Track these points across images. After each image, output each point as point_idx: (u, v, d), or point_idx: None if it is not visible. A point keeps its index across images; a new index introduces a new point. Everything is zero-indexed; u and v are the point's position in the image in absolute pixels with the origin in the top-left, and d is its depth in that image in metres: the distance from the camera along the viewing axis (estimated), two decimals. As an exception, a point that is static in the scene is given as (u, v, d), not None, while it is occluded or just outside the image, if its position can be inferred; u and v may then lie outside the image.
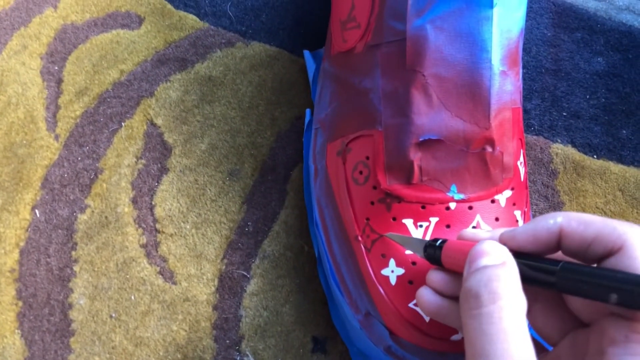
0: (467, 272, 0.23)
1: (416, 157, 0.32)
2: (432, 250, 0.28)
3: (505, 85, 0.32)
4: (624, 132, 0.42)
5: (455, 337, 0.30)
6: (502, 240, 0.25)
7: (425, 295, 0.27)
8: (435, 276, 0.27)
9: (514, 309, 0.21)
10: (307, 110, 0.41)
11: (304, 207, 0.40)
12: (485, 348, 0.20)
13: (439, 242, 0.28)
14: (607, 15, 0.46)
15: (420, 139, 0.31)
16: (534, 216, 0.39)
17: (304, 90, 0.43)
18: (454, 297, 0.27)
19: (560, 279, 0.22)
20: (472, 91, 0.31)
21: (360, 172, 0.34)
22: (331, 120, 0.36)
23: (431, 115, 0.31)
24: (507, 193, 0.33)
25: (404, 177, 0.32)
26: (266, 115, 0.43)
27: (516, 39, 0.32)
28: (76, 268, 0.39)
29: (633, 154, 0.41)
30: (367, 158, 0.33)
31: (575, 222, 0.23)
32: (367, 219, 0.33)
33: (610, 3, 0.46)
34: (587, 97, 0.43)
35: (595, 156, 0.41)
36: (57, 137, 0.42)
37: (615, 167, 0.41)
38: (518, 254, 0.24)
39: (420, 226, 0.32)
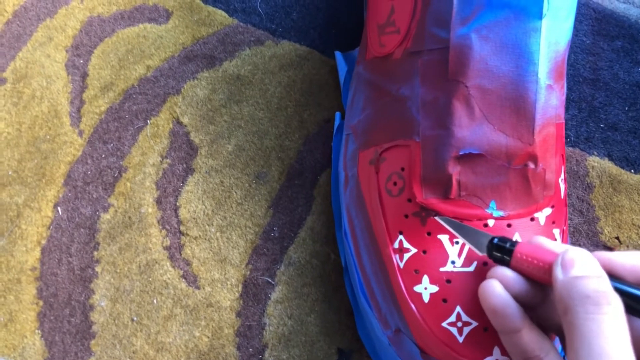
0: (566, 277, 0.25)
1: (455, 171, 0.30)
2: (500, 251, 0.28)
3: (550, 99, 0.30)
4: (664, 146, 0.40)
5: None
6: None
7: (496, 288, 0.27)
8: (508, 274, 0.27)
9: (622, 313, 0.23)
10: (337, 114, 0.40)
11: (331, 213, 0.39)
12: (605, 348, 0.22)
13: (508, 243, 0.28)
14: (650, 24, 0.44)
15: (461, 153, 0.30)
16: (571, 233, 0.38)
17: (334, 93, 0.42)
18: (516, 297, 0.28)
19: None
20: (517, 105, 0.30)
21: (395, 184, 0.33)
22: (364, 127, 0.35)
23: (473, 128, 0.30)
24: (547, 211, 0.32)
25: (441, 191, 0.31)
26: (295, 117, 0.41)
27: (563, 52, 0.31)
28: (98, 269, 0.38)
29: (674, 170, 0.40)
30: (402, 169, 0.32)
31: None
32: (400, 232, 0.32)
33: (653, 11, 0.45)
34: (626, 108, 0.42)
35: (632, 170, 0.40)
36: (81, 133, 0.42)
37: (653, 183, 0.39)
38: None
39: (456, 243, 0.31)
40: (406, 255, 0.31)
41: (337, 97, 0.42)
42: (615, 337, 0.22)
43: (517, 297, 0.27)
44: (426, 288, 0.31)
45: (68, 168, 0.41)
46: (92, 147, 0.41)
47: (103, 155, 0.41)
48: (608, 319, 0.23)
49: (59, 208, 0.40)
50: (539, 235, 0.30)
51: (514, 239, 0.29)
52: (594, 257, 0.26)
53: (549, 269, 0.26)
